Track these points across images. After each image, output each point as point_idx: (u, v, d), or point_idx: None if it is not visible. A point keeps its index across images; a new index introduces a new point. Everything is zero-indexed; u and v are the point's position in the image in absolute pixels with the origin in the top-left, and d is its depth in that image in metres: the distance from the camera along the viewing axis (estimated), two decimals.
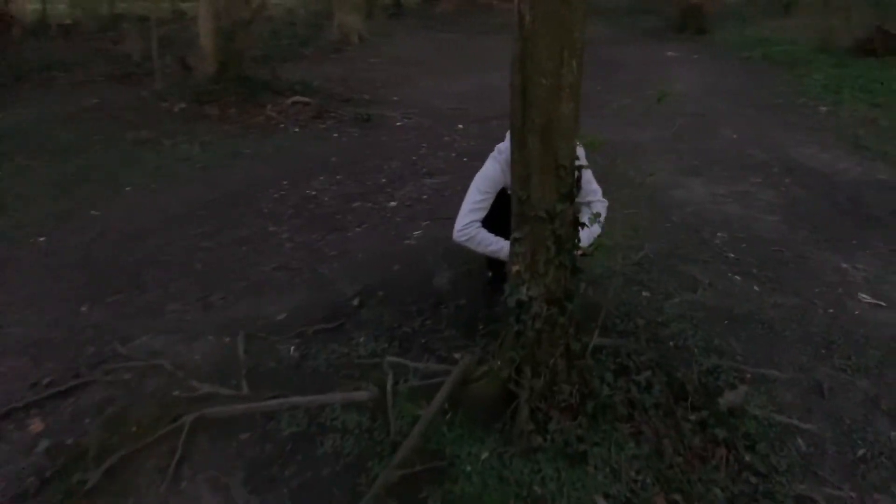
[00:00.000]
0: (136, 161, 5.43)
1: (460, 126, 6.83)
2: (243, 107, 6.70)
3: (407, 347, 2.76)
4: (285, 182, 5.11)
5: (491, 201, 2.78)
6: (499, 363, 2.20)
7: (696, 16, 12.54)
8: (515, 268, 2.13)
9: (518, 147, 2.05)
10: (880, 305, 3.39)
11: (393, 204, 4.71)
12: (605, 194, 2.96)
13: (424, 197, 4.86)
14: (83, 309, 3.28)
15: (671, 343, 2.77)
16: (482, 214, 2.77)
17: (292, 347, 2.78)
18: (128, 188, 4.88)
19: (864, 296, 3.48)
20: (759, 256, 3.89)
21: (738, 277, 3.59)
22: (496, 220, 2.82)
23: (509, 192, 2.89)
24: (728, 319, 3.07)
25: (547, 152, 2.00)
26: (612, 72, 9.65)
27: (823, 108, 7.39)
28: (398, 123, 6.87)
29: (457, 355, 2.61)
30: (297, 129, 6.45)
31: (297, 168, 5.48)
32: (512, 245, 2.17)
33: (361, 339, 2.82)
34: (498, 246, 2.72)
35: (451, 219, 4.44)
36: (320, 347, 2.77)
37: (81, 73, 8.76)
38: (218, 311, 3.20)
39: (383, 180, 5.22)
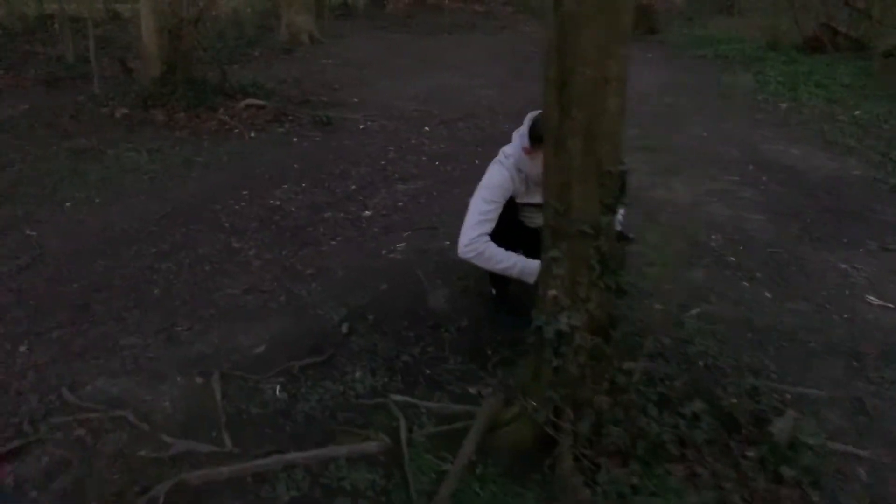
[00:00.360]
0: (77, 173, 4.86)
1: (426, 128, 6.48)
2: (193, 111, 6.16)
3: (411, 381, 2.40)
4: (245, 192, 4.66)
5: (499, 212, 2.46)
6: (533, 404, 1.87)
7: (646, 16, 12.52)
8: (552, 293, 1.81)
9: (554, 151, 1.73)
10: (889, 307, 3.24)
11: (367, 213, 4.33)
12: None
13: (400, 204, 4.49)
14: (22, 348, 2.78)
15: (701, 363, 2.50)
16: (490, 227, 2.44)
17: (278, 387, 2.38)
18: (68, 203, 4.32)
19: (872, 298, 3.31)
20: (759, 259, 3.69)
21: (745, 283, 3.37)
22: (503, 231, 2.50)
23: (518, 200, 2.59)
24: (750, 332, 2.84)
25: (590, 156, 1.69)
26: None
27: (783, 105, 7.38)
28: (361, 126, 6.46)
29: (471, 389, 2.27)
30: (253, 134, 5.96)
31: (257, 176, 5.02)
32: (546, 266, 1.84)
33: (357, 374, 2.45)
34: (510, 262, 2.40)
35: (434, 228, 4.18)
36: (311, 386, 2.38)
37: (8, 77, 7.99)
38: (184, 345, 2.76)
39: (353, 187, 4.83)
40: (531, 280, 2.34)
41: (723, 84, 8.39)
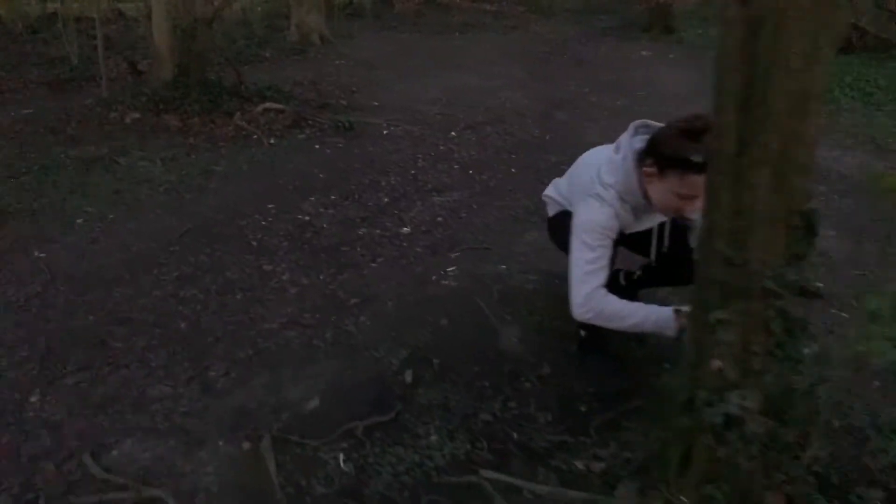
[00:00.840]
0: (86, 185, 4.44)
1: (453, 133, 6.06)
2: (208, 116, 5.74)
3: (499, 449, 1.99)
4: (271, 206, 4.24)
5: (609, 255, 2.03)
6: (685, 501, 1.47)
7: (664, 15, 12.12)
8: (717, 364, 1.40)
9: (729, 186, 1.33)
10: None
11: (406, 230, 3.92)
12: None
13: (439, 219, 4.09)
14: (33, 398, 2.37)
15: (836, 424, 2.10)
16: (604, 276, 2.01)
17: (342, 457, 1.97)
18: (79, 220, 3.90)
19: None
20: (842, 282, 3.31)
21: (844, 315, 2.98)
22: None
23: (625, 231, 2.17)
24: (871, 376, 2.44)
25: (780, 193, 1.28)
26: (591, 71, 9.08)
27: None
28: (384, 131, 6.04)
29: (579, 464, 1.87)
30: (272, 141, 5.54)
31: (281, 187, 4.61)
32: (708, 329, 1.43)
33: (432, 438, 2.04)
34: (640, 315, 1.98)
35: (485, 248, 3.70)
36: (379, 454, 1.97)
37: (11, 79, 7.55)
38: (222, 396, 2.34)
39: (385, 200, 4.42)
40: (670, 333, 1.93)
41: None
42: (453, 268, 3.33)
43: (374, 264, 3.44)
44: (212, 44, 6.02)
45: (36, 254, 3.48)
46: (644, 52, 10.65)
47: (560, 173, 2.65)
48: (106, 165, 4.79)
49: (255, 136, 5.54)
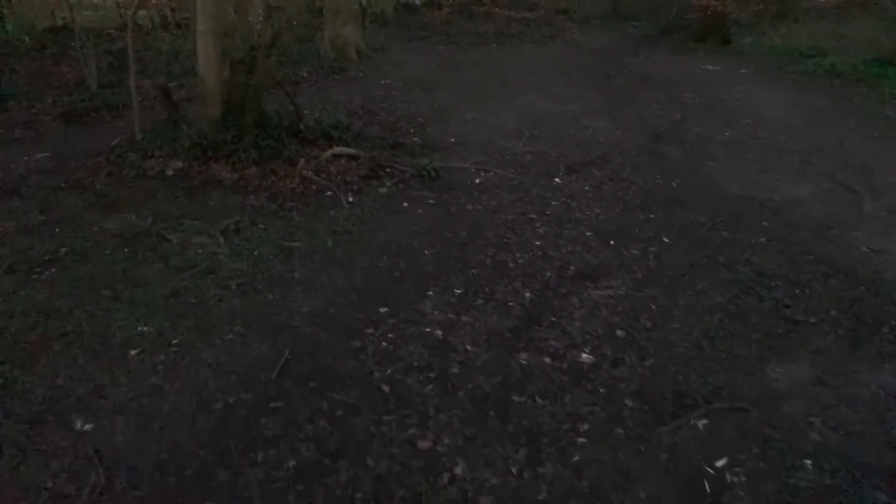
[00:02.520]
0: (134, 281, 3.19)
1: (557, 181, 4.86)
2: (267, 165, 4.51)
3: None
4: (383, 309, 3.04)
5: None
6: None
7: (721, 24, 10.91)
8: None
9: None
10: None
11: (586, 357, 2.73)
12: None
13: (620, 333, 2.90)
14: None
15: None
16: None
17: None
18: (133, 351, 2.66)
19: None
20: None
21: None
22: None
23: None
24: None
25: None
26: (666, 90, 7.88)
27: None
28: (476, 180, 4.82)
29: None
30: (351, 199, 4.32)
31: (384, 274, 3.40)
32: None
33: None
34: None
35: (743, 409, 2.31)
36: None
37: (22, 110, 6.27)
38: None
39: (527, 295, 3.22)
40: None
41: (860, 110, 6.80)
42: (723, 461, 2.12)
43: (580, 438, 2.25)
44: (270, 76, 4.76)
45: (79, 425, 2.26)
46: (710, 67, 9.44)
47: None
48: (154, 245, 3.55)
49: (329, 193, 4.32)
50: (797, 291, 3.23)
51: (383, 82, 8.22)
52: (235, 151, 4.53)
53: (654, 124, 6.41)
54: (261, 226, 3.87)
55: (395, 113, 6.57)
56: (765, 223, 4.07)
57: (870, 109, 6.78)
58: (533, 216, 4.22)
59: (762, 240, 3.84)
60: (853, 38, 11.38)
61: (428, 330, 2.90)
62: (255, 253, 3.53)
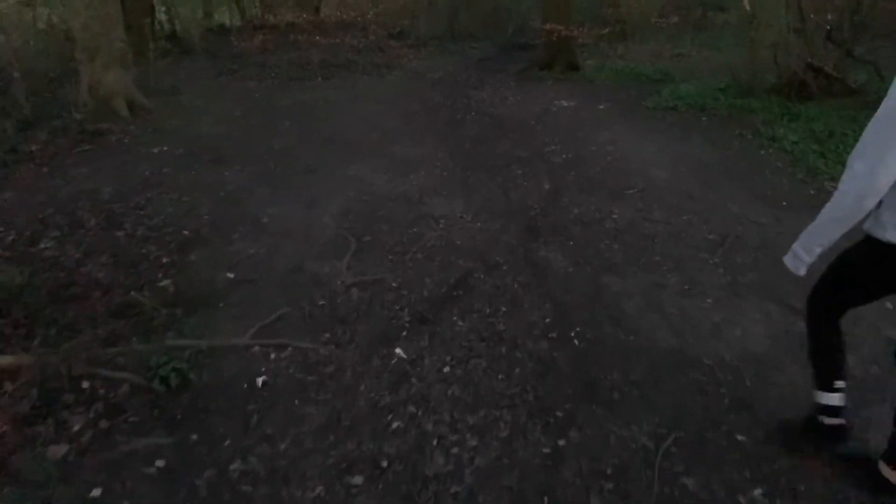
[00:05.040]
0: None
1: (398, 354, 2.83)
2: None
3: None
4: None
5: None
6: None
7: (567, 49, 9.53)
8: None
9: None
10: None
11: None
12: None
13: None
14: None
15: None
16: None
17: None
18: None
19: None
20: None
21: None
22: None
23: None
24: None
25: None
26: (526, 143, 6.17)
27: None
28: (259, 381, 2.63)
29: None
30: None
31: None
32: None
33: None
34: None
35: None
36: None
37: None
38: None
39: None
40: None
41: (742, 158, 5.52)
42: None
43: None
44: None
45: None
46: (565, 103, 7.93)
47: None
48: None
49: None
50: None
51: (157, 150, 5.69)
52: None
53: (522, 203, 4.59)
54: None
55: (152, 218, 4.14)
56: (739, 436, 2.31)
57: (758, 159, 5.50)
58: (357, 480, 2.13)
59: (757, 493, 2.06)
60: (695, 58, 10.56)
61: None
62: None
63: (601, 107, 7.57)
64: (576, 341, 2.92)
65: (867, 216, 1.72)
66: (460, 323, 3.07)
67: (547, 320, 3.08)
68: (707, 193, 4.71)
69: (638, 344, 2.88)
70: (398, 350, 2.86)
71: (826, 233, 1.77)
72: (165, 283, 3.26)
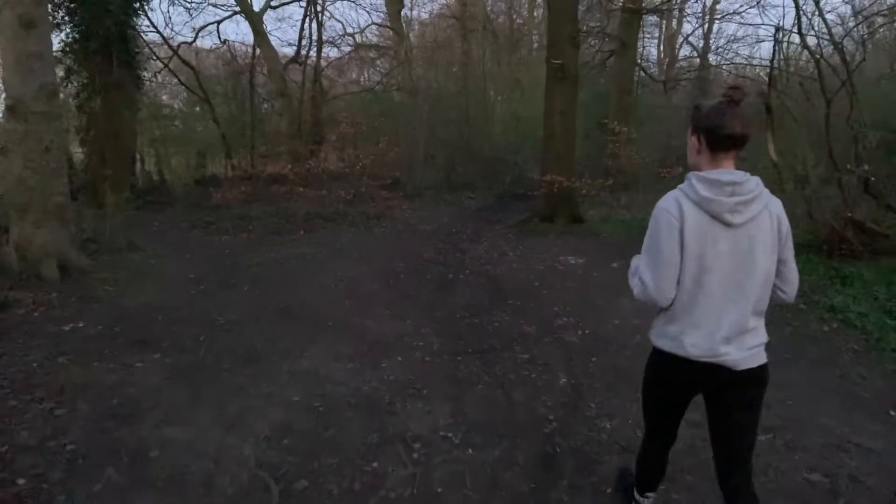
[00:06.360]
0: None
1: None
2: None
3: None
4: None
5: None
6: None
7: (569, 200, 8.77)
8: None
9: None
10: None
11: None
12: None
13: None
14: None
15: None
16: None
17: None
18: None
19: None
20: None
21: None
22: None
23: None
24: None
25: None
26: (532, 316, 4.98)
27: None
28: None
29: None
30: None
31: None
32: None
33: None
34: None
35: None
36: None
37: None
38: None
39: None
40: None
41: (824, 341, 4.30)
42: None
43: None
44: None
45: None
46: (572, 260, 6.90)
47: None
48: None
49: None
50: None
51: (68, 328, 4.48)
52: None
53: (531, 411, 3.28)
54: None
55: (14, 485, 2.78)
56: None
57: (825, 340, 4.27)
58: None
59: None
60: None
61: None
62: None
63: (614, 265, 6.50)
64: None
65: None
66: None
67: None
68: (781, 396, 3.40)
69: None
70: None
71: None
72: None
